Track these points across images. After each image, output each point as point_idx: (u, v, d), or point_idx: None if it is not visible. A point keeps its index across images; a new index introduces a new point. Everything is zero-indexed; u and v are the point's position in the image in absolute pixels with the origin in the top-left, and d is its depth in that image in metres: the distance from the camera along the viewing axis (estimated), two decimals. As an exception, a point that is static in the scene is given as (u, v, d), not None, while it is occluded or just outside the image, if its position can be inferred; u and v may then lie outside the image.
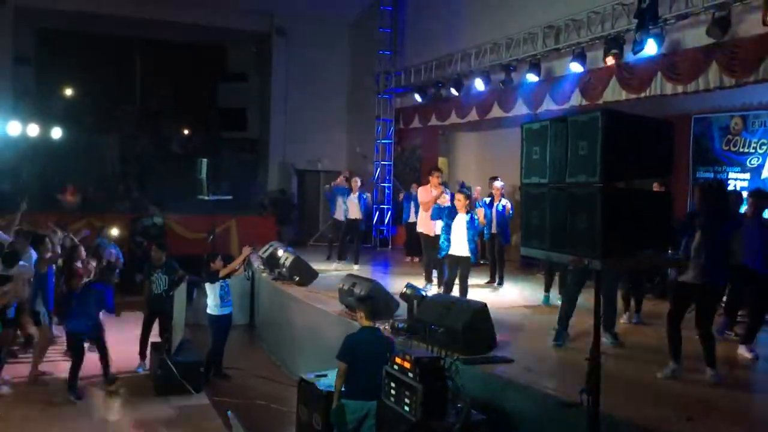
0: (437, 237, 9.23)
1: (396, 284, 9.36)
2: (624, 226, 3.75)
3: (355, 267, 12.15)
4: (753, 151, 10.42)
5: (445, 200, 9.72)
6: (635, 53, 9.50)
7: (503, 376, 5.69)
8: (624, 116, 3.91)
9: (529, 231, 4.37)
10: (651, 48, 9.29)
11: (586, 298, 6.76)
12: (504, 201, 10.86)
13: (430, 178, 10.37)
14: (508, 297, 9.95)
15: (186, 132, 21.45)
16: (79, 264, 9.82)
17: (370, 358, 5.72)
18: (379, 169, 16.91)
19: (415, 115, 16.21)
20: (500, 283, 10.80)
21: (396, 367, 5.08)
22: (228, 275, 9.16)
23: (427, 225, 10.14)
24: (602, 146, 3.72)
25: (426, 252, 10.42)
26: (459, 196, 8.79)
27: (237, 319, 12.17)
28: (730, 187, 10.30)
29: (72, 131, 17.89)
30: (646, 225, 3.84)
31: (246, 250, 9.56)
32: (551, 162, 4.17)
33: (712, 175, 11.21)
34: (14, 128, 15.45)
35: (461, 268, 8.59)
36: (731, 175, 11.05)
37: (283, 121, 18.64)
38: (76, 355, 8.18)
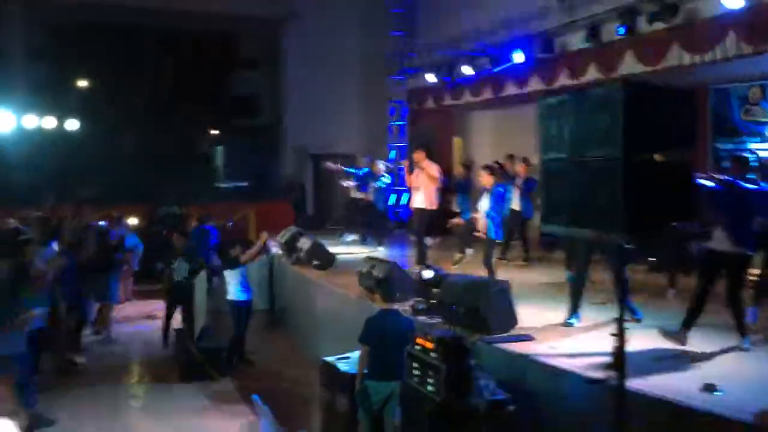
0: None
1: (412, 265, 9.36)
2: (646, 199, 3.69)
3: (379, 249, 12.17)
4: (772, 120, 10.28)
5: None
6: (650, 24, 9.36)
7: (525, 354, 5.67)
8: (644, 86, 3.84)
9: (548, 208, 4.31)
10: (666, 18, 9.13)
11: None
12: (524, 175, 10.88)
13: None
14: (530, 274, 9.89)
15: (199, 120, 21.48)
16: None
17: (392, 339, 5.73)
18: (394, 152, 16.85)
19: (428, 96, 16.11)
20: (525, 260, 10.78)
21: (418, 347, 5.08)
22: (247, 261, 9.20)
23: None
24: (623, 118, 3.65)
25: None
26: (482, 173, 8.74)
27: (257, 304, 12.24)
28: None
29: (87, 123, 17.99)
30: (668, 198, 3.77)
31: (263, 236, 9.59)
32: (570, 137, 4.10)
33: (731, 146, 11.07)
34: (30, 121, 15.55)
35: (484, 247, 8.57)
36: (750, 145, 10.91)
37: (296, 106, 18.57)
38: None
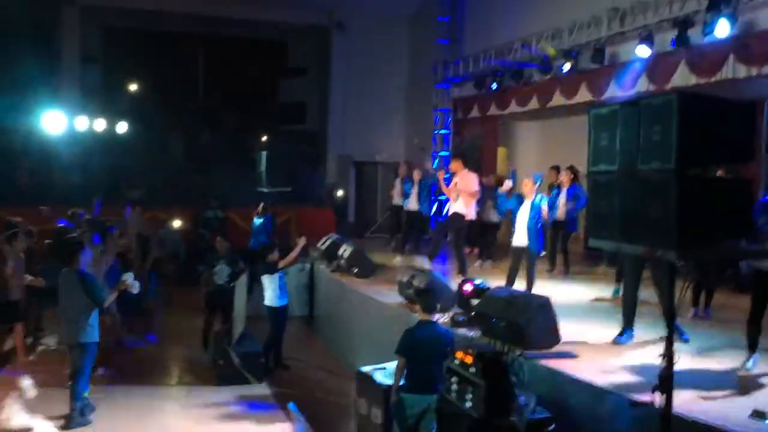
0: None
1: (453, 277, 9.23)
2: (701, 215, 3.51)
3: (417, 259, 12.04)
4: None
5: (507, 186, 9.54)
6: (705, 35, 9.07)
7: (568, 372, 5.49)
8: (701, 98, 3.67)
9: (597, 221, 4.16)
10: (723, 29, 8.86)
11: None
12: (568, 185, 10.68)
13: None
14: (572, 289, 9.66)
15: (247, 126, 21.73)
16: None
17: (430, 352, 5.62)
18: (437, 160, 16.73)
19: (473, 105, 15.97)
20: (565, 273, 10.56)
21: (457, 362, 4.95)
22: (286, 267, 9.20)
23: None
24: (678, 131, 3.48)
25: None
26: (526, 181, 8.58)
27: (296, 310, 12.29)
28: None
29: (137, 126, 18.36)
30: (724, 214, 3.59)
31: (301, 242, 9.59)
32: (621, 148, 3.95)
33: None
34: (82, 123, 15.91)
35: (525, 259, 8.39)
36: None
37: (342, 113, 18.66)
38: None
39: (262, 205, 13.17)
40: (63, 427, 6.74)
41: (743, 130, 3.70)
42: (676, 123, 3.52)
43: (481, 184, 10.24)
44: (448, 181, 10.82)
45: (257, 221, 13.05)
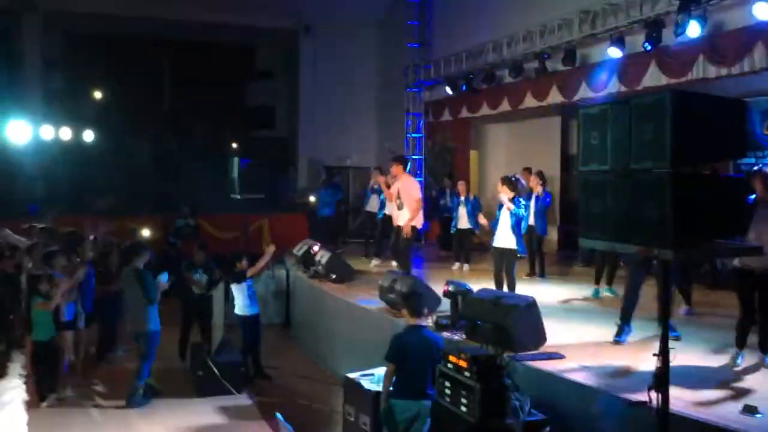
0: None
1: (435, 279, 9.19)
2: (696, 213, 3.54)
3: (394, 263, 11.97)
4: (797, 135, 10.09)
5: None
6: (677, 36, 9.20)
7: (559, 373, 5.49)
8: (693, 96, 3.70)
9: (589, 221, 4.16)
10: (693, 30, 8.96)
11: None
12: (539, 190, 10.69)
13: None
14: (552, 290, 9.70)
15: (215, 131, 21.49)
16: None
17: (419, 357, 5.57)
18: (409, 164, 16.70)
19: (445, 108, 15.99)
20: (542, 276, 10.59)
21: (450, 365, 4.91)
22: (254, 274, 9.11)
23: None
24: (672, 129, 3.50)
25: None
26: (501, 186, 8.56)
27: (273, 318, 12.14)
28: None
29: (103, 134, 18.00)
30: (719, 212, 3.62)
31: (270, 249, 9.48)
32: (612, 147, 3.96)
33: (753, 161, 10.87)
34: (47, 132, 15.55)
35: (506, 260, 8.39)
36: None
37: (312, 118, 18.53)
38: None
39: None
40: (125, 406, 7.75)
41: (734, 126, 3.74)
42: (669, 121, 3.54)
43: (429, 190, 10.19)
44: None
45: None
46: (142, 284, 7.87)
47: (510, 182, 8.46)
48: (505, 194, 8.39)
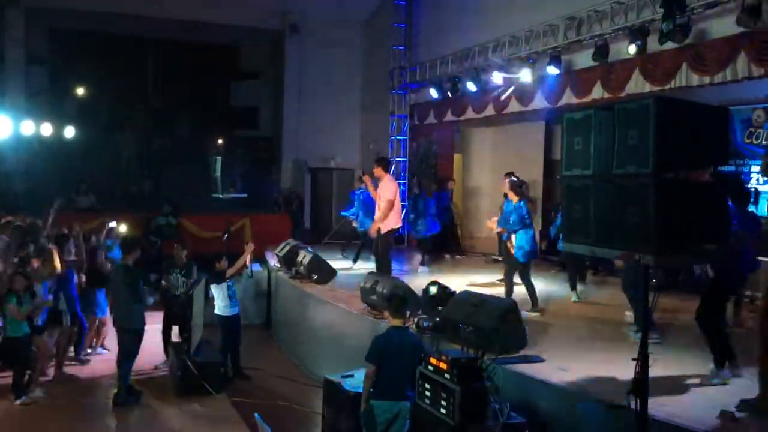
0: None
1: (416, 282, 9.18)
2: (679, 218, 3.56)
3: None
4: (776, 144, 10.21)
5: None
6: (661, 44, 9.27)
7: (537, 377, 5.50)
8: (677, 103, 3.74)
9: (571, 226, 4.18)
10: (677, 38, 9.05)
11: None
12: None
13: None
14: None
15: (199, 130, 21.34)
16: None
17: (400, 358, 5.55)
18: (393, 166, 16.70)
19: (430, 111, 16.00)
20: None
21: (431, 368, 4.89)
22: (233, 274, 9.06)
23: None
24: (655, 135, 3.52)
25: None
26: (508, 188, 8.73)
27: (253, 318, 12.08)
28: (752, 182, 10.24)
29: (85, 130, 17.79)
30: (701, 217, 3.64)
31: (249, 248, 9.45)
32: (596, 153, 3.98)
33: (733, 169, 10.98)
34: (28, 128, 15.34)
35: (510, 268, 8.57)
36: (753, 168, 10.83)
37: (296, 118, 18.44)
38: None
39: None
40: (113, 404, 7.70)
41: (718, 134, 3.77)
42: (653, 127, 3.56)
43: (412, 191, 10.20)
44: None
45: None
46: (130, 282, 7.82)
47: (516, 186, 8.66)
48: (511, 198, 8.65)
